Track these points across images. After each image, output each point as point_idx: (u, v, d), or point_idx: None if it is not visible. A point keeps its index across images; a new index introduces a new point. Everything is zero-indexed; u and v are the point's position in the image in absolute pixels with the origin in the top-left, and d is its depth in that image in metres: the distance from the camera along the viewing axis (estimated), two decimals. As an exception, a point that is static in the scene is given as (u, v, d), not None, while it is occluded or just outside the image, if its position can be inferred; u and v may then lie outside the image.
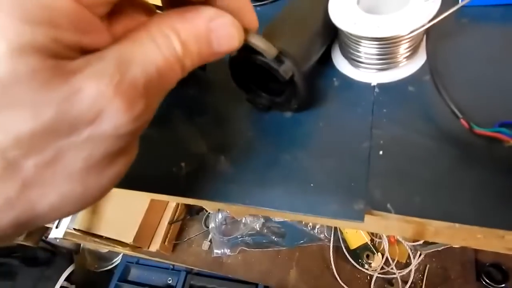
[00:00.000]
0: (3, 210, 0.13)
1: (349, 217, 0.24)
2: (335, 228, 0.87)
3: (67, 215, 0.16)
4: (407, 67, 0.29)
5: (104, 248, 1.15)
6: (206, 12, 0.17)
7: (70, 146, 0.14)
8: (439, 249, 0.77)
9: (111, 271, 1.23)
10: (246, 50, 0.26)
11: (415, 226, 0.27)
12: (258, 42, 0.22)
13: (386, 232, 0.33)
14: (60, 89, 0.13)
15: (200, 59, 0.18)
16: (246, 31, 0.20)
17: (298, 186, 0.26)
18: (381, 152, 0.25)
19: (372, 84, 0.29)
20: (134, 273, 1.10)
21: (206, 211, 0.99)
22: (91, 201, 0.16)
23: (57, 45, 0.13)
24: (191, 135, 0.31)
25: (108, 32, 0.16)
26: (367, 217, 0.24)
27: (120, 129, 0.15)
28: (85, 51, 0.14)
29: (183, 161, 0.29)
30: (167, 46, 0.16)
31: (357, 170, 0.25)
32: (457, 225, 0.23)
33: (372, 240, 0.84)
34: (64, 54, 0.13)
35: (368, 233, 0.84)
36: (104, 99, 0.14)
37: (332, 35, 0.31)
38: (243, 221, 0.92)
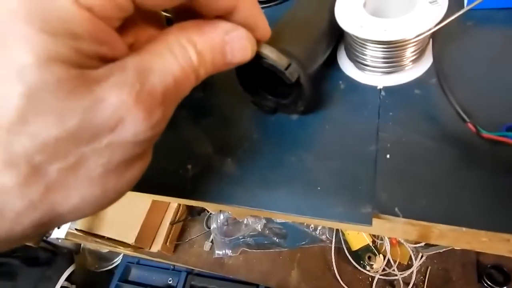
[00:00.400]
0: (27, 212, 0.14)
1: (357, 220, 0.24)
2: (337, 229, 0.87)
3: (84, 217, 0.17)
4: (413, 70, 0.29)
5: (105, 248, 1.15)
6: (222, 26, 0.19)
7: (92, 152, 0.14)
8: (441, 251, 0.77)
9: (111, 271, 1.23)
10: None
11: (420, 228, 0.27)
12: (270, 54, 0.23)
13: (391, 234, 0.33)
14: (84, 98, 0.14)
15: (214, 69, 0.19)
16: (259, 42, 0.21)
17: (304, 188, 0.26)
18: (388, 156, 0.25)
19: (378, 87, 0.29)
20: (135, 273, 1.10)
21: (208, 211, 0.99)
22: (108, 204, 0.17)
23: (79, 55, 0.14)
24: (197, 137, 0.31)
25: (123, 42, 0.17)
26: (373, 220, 0.24)
27: (139, 136, 0.15)
28: (105, 60, 0.15)
29: (189, 163, 0.29)
30: (183, 56, 0.17)
31: (363, 173, 0.25)
32: (463, 228, 0.23)
33: (373, 242, 0.84)
34: (86, 64, 0.14)
35: (370, 234, 0.84)
36: (125, 108, 0.14)
37: (337, 38, 0.32)
38: (244, 222, 0.92)
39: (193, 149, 0.30)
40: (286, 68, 0.24)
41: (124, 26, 0.17)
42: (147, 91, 0.15)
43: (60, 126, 0.13)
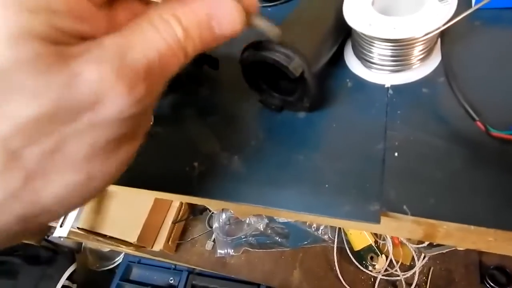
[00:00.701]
0: (8, 203, 0.13)
1: (365, 218, 0.24)
2: (339, 229, 0.87)
3: (72, 209, 0.16)
4: (420, 69, 0.29)
5: (106, 247, 1.15)
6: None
7: (72, 133, 0.14)
8: (444, 251, 0.77)
9: (112, 270, 1.23)
10: (255, 48, 0.26)
11: (426, 227, 0.27)
12: (261, 23, 0.21)
13: (396, 233, 0.33)
14: (60, 74, 0.13)
15: (202, 45, 0.18)
16: (248, 14, 0.19)
17: (312, 187, 0.26)
18: (396, 154, 0.25)
19: (386, 86, 0.29)
20: (136, 273, 1.09)
21: (210, 211, 0.99)
22: (95, 191, 0.16)
23: (56, 31, 0.13)
24: (203, 135, 0.31)
25: (106, 21, 0.16)
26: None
27: (122, 113, 0.14)
28: (84, 38, 0.14)
29: (196, 161, 0.29)
30: (168, 32, 0.16)
31: (371, 171, 0.25)
32: (472, 227, 0.23)
33: (376, 242, 0.84)
34: (63, 41, 0.13)
35: (372, 234, 0.84)
36: (104, 83, 0.13)
37: (343, 35, 0.31)
38: (247, 222, 0.92)
39: (199, 147, 0.30)
40: (282, 44, 0.24)
41: (111, 5, 0.17)
42: (128, 66, 0.14)
43: (36, 106, 0.12)
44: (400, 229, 0.31)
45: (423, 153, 0.25)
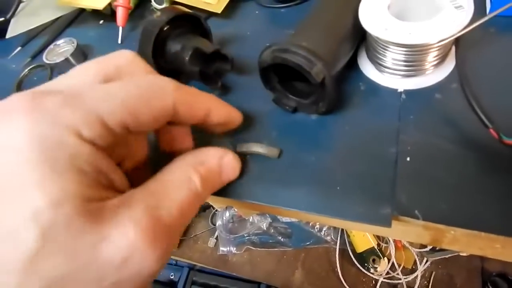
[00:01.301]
0: None
1: (376, 221, 0.24)
2: (342, 231, 0.87)
3: None
4: (434, 75, 0.29)
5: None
6: (216, 152, 0.23)
7: None
8: (446, 256, 0.77)
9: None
10: (276, 50, 0.26)
11: (434, 232, 0.27)
12: (260, 149, 0.27)
13: (403, 237, 0.34)
14: (92, 236, 0.14)
15: (212, 190, 0.22)
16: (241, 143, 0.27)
17: (323, 188, 0.26)
18: (408, 158, 0.26)
19: (399, 90, 0.30)
20: (137, 268, 1.10)
21: (213, 208, 1.00)
22: None
23: (86, 188, 0.15)
24: (215, 134, 0.31)
25: (118, 168, 0.18)
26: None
27: (144, 271, 0.16)
28: (108, 188, 0.16)
29: (208, 158, 0.29)
30: (191, 187, 0.19)
31: (383, 174, 0.25)
32: (482, 233, 0.24)
33: (378, 245, 0.84)
34: (93, 196, 0.15)
35: (375, 237, 0.84)
36: (130, 246, 0.15)
37: (359, 40, 0.32)
38: (250, 220, 0.92)
39: (212, 145, 0.30)
40: (279, 156, 0.27)
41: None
42: (154, 227, 0.16)
43: (69, 264, 0.14)
44: (408, 233, 0.31)
45: (435, 158, 0.25)
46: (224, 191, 0.28)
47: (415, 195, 0.24)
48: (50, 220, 0.13)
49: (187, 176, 0.20)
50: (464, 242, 0.28)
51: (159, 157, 0.25)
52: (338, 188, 0.26)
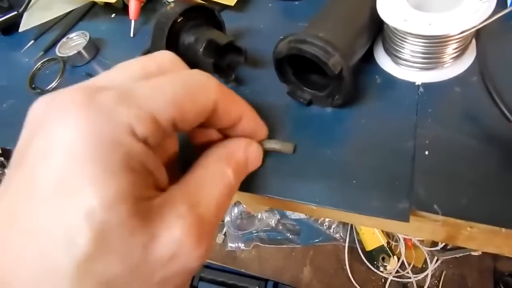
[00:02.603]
0: None
1: (394, 216, 0.23)
2: (351, 228, 0.87)
3: None
4: (453, 68, 0.29)
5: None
6: (243, 143, 0.23)
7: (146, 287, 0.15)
8: (457, 256, 0.76)
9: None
10: (292, 41, 0.26)
11: (450, 229, 0.27)
12: (275, 145, 0.27)
13: (417, 234, 0.33)
14: (142, 237, 0.14)
15: (240, 180, 0.22)
16: (260, 142, 0.26)
17: (340, 182, 0.26)
18: (426, 152, 0.25)
19: (416, 83, 0.29)
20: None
21: (222, 204, 1.00)
22: None
23: (137, 188, 0.15)
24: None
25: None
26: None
27: (190, 266, 0.16)
28: (156, 187, 0.17)
29: (221, 151, 0.29)
30: (224, 181, 0.20)
31: (401, 169, 0.25)
32: (503, 230, 0.23)
33: (388, 243, 0.83)
34: (142, 195, 0.15)
35: (384, 235, 0.83)
36: (177, 243, 0.15)
37: (376, 32, 0.31)
38: (258, 217, 0.92)
39: (225, 137, 0.30)
40: (294, 151, 0.27)
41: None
42: (197, 224, 0.16)
43: (122, 266, 0.14)
44: (422, 230, 0.31)
45: (454, 152, 0.25)
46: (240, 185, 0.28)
47: (434, 189, 0.24)
48: (104, 221, 0.13)
49: (221, 170, 0.20)
50: (481, 239, 0.27)
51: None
52: (354, 181, 0.25)
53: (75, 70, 0.42)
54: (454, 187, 0.24)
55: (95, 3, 0.49)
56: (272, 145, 0.27)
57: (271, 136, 0.29)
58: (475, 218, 0.23)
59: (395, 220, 0.23)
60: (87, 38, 0.42)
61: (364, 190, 0.25)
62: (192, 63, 0.33)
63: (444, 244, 0.77)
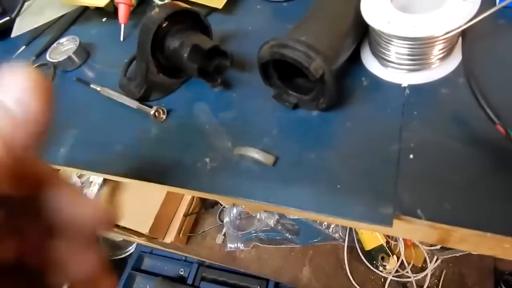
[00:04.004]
0: None
1: (377, 221, 0.23)
2: (351, 228, 0.86)
3: None
4: (440, 69, 0.28)
5: (119, 237, 1.17)
6: None
7: None
8: (457, 254, 0.75)
9: (124, 260, 1.25)
10: (275, 45, 0.25)
11: (441, 232, 0.27)
12: (255, 155, 0.26)
13: (409, 236, 0.33)
14: None
15: None
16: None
17: (325, 186, 0.25)
18: (411, 156, 0.25)
19: (403, 85, 0.29)
20: (148, 263, 1.11)
21: (221, 205, 1.00)
22: None
23: None
24: (216, 130, 0.31)
25: None
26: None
27: None
28: None
29: (207, 156, 0.29)
30: None
31: (385, 173, 0.25)
32: (488, 234, 0.23)
33: (387, 242, 0.83)
34: None
35: (384, 235, 0.83)
36: None
37: (362, 34, 0.31)
38: (257, 217, 0.92)
39: (211, 142, 0.30)
40: (274, 164, 0.27)
41: None
42: None
43: None
44: (413, 232, 0.30)
45: (439, 155, 0.24)
46: (224, 190, 0.28)
47: (418, 194, 0.23)
48: None
49: None
50: (472, 242, 0.27)
51: None
52: (338, 186, 0.25)
53: (65, 75, 0.42)
54: (439, 191, 0.23)
55: (87, 8, 0.49)
56: (254, 154, 0.26)
57: (256, 141, 0.28)
58: (459, 223, 0.22)
59: (378, 225, 0.23)
60: (77, 43, 0.42)
61: (348, 195, 0.25)
62: (178, 68, 0.33)
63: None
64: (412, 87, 0.28)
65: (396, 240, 0.83)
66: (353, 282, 0.81)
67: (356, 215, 0.24)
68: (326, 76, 0.24)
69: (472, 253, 0.76)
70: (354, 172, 0.25)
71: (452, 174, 0.24)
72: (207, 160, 0.29)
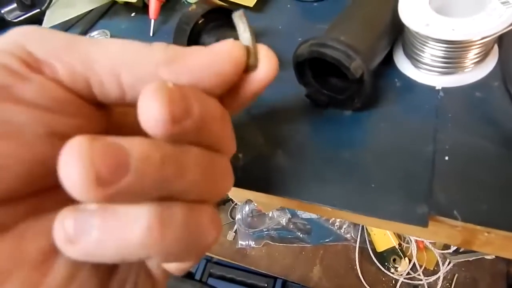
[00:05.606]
0: None
1: (412, 221, 0.23)
2: (362, 229, 0.86)
3: None
4: (474, 72, 0.29)
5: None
6: None
7: None
8: (470, 259, 0.75)
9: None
10: (313, 44, 0.26)
11: (466, 234, 0.27)
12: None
13: (433, 237, 0.33)
14: None
15: None
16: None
17: (358, 185, 0.26)
18: (446, 157, 0.25)
19: (437, 88, 0.29)
20: (156, 258, 1.12)
21: (233, 202, 1.00)
22: None
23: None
24: (248, 127, 0.31)
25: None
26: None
27: None
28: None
29: (240, 151, 0.30)
30: None
31: (420, 173, 0.25)
32: (525, 237, 0.23)
33: (399, 244, 0.83)
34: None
35: (396, 237, 0.83)
36: None
37: (396, 35, 0.31)
38: (269, 215, 0.93)
39: (244, 138, 0.31)
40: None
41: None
42: None
43: None
44: (438, 234, 0.31)
45: (475, 157, 0.25)
46: (255, 184, 0.28)
47: (453, 195, 0.24)
48: None
49: None
50: (497, 245, 0.27)
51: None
52: (372, 185, 0.25)
53: (95, 68, 0.42)
54: (474, 192, 0.24)
55: (115, 2, 0.50)
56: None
57: (288, 138, 0.29)
58: (495, 225, 0.23)
59: (414, 225, 0.24)
60: (108, 36, 0.43)
61: (382, 193, 0.25)
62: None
63: (456, 246, 0.76)
64: (446, 90, 0.29)
65: (408, 242, 0.83)
66: (364, 283, 0.82)
67: (391, 214, 0.24)
68: (365, 76, 0.25)
69: (486, 257, 0.76)
70: (389, 172, 0.26)
71: (487, 176, 0.24)
72: (240, 155, 0.30)
